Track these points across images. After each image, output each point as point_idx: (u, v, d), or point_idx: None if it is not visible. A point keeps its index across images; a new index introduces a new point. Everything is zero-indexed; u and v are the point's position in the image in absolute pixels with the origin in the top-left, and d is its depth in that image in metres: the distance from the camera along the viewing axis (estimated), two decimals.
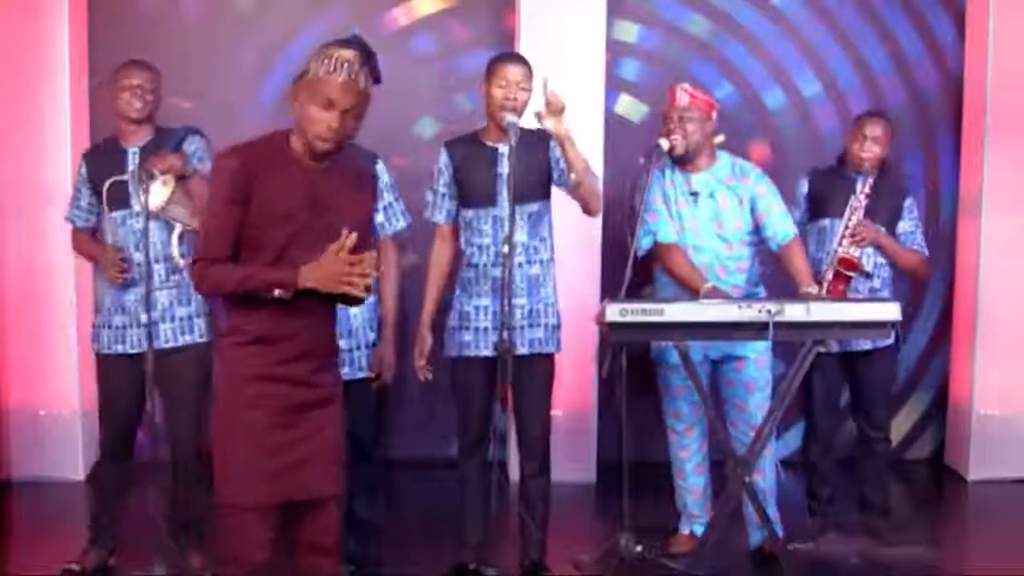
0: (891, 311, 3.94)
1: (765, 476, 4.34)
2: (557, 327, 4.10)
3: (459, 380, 4.12)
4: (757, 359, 4.30)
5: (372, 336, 4.10)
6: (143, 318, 4.05)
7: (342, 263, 2.83)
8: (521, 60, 4.03)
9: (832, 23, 5.89)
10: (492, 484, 3.93)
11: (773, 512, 4.33)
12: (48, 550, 4.44)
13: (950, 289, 5.93)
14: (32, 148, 5.29)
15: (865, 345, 4.54)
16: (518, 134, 3.84)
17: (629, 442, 4.05)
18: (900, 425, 5.96)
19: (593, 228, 5.40)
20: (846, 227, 4.45)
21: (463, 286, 4.12)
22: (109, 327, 4.13)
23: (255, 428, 2.92)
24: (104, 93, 4.17)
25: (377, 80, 2.93)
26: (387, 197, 4.14)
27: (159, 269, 4.05)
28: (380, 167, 4.12)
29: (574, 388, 5.38)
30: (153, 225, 3.99)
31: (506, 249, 3.84)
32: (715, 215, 4.29)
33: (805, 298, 4.07)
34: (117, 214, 4.08)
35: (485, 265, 4.05)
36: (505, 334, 3.79)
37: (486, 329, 4.04)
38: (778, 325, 3.84)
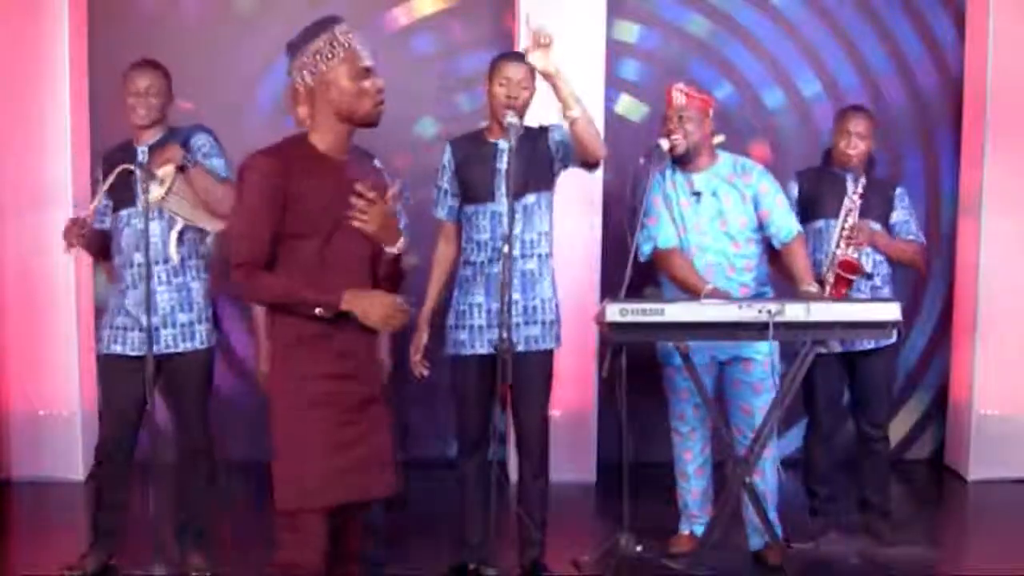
0: (891, 311, 3.94)
1: (765, 479, 4.33)
2: (555, 322, 4.10)
3: (456, 379, 4.12)
4: (764, 361, 4.25)
5: None
6: (144, 320, 4.05)
7: (391, 306, 2.88)
8: (523, 60, 4.03)
9: (832, 23, 5.89)
10: (492, 484, 3.93)
11: (773, 515, 4.33)
12: (48, 550, 4.45)
13: (950, 289, 5.93)
14: (32, 148, 5.28)
15: (867, 344, 4.54)
16: (519, 133, 3.85)
17: (629, 442, 4.04)
18: (900, 425, 5.96)
19: (593, 227, 5.41)
20: (842, 229, 4.44)
21: (461, 284, 4.13)
22: (111, 327, 4.13)
23: (325, 426, 2.88)
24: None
25: None
26: None
27: (159, 271, 4.03)
28: (376, 166, 4.13)
29: (574, 388, 5.38)
30: (154, 225, 3.97)
31: (506, 248, 3.84)
32: (719, 213, 4.29)
33: (805, 297, 4.07)
34: (124, 212, 4.07)
35: (482, 262, 4.05)
36: (504, 333, 3.80)
37: (482, 327, 4.04)
38: (778, 325, 3.83)
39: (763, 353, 4.24)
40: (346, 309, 2.86)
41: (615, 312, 3.83)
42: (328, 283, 2.88)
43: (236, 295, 2.94)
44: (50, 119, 5.29)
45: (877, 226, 4.55)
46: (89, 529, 4.26)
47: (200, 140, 4.10)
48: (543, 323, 4.06)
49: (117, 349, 4.11)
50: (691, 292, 4.22)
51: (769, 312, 3.83)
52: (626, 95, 5.81)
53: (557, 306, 4.13)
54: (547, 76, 3.80)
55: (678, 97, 4.26)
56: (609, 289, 5.00)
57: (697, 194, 4.30)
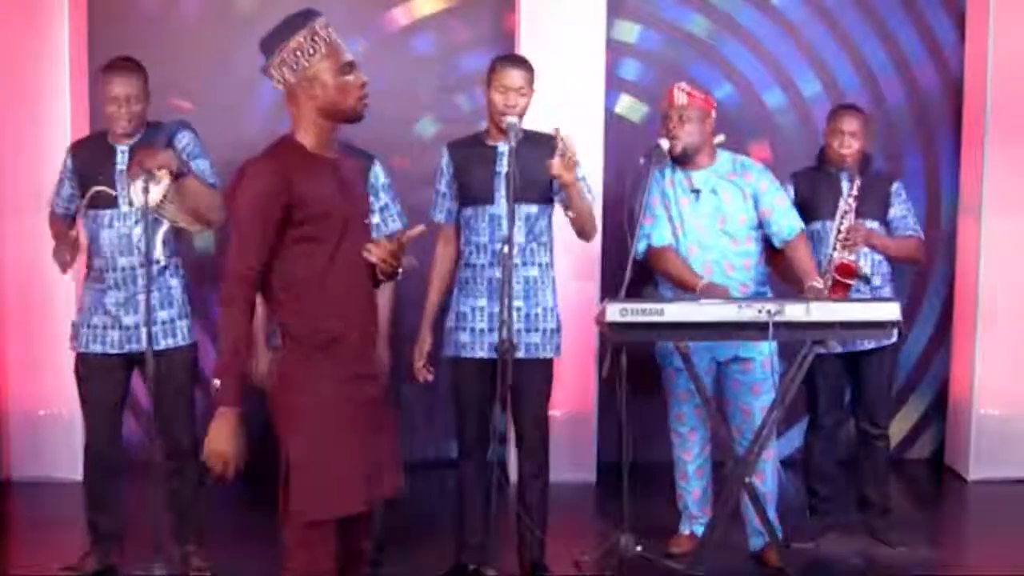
0: (891, 311, 3.93)
1: (765, 480, 4.33)
2: (556, 331, 4.10)
3: (457, 381, 4.12)
4: (763, 361, 4.25)
5: None
6: (126, 320, 4.03)
7: (231, 441, 2.79)
8: (522, 64, 4.03)
9: (832, 23, 5.88)
10: (492, 484, 3.93)
11: (773, 515, 4.32)
12: (48, 550, 4.45)
13: (950, 289, 5.93)
14: (32, 148, 5.28)
15: (868, 344, 4.53)
16: (519, 135, 3.85)
17: (629, 442, 4.04)
18: (900, 425, 5.95)
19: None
20: (838, 231, 4.42)
21: (460, 286, 4.13)
22: (88, 326, 4.10)
23: (348, 431, 2.84)
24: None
25: None
26: (384, 198, 4.14)
27: (143, 272, 3.97)
28: (377, 168, 4.13)
29: (574, 389, 5.38)
30: (137, 228, 3.95)
31: (505, 249, 3.84)
32: (718, 210, 4.29)
33: (807, 297, 4.07)
34: (105, 213, 4.03)
35: (482, 265, 4.05)
36: (505, 333, 3.79)
37: (483, 330, 4.04)
38: (778, 325, 3.83)
39: (763, 353, 4.24)
40: (217, 413, 2.79)
41: (615, 312, 3.83)
42: (343, 280, 2.87)
43: (221, 301, 2.84)
44: (50, 119, 5.29)
45: (875, 224, 4.55)
46: (88, 530, 4.25)
47: (184, 139, 4.05)
48: (544, 331, 4.06)
49: (97, 348, 4.08)
50: (686, 288, 4.22)
51: (769, 312, 3.83)
52: (626, 95, 5.81)
53: (558, 316, 4.13)
54: (565, 185, 3.82)
55: (679, 96, 4.26)
56: (609, 289, 5.01)
57: (696, 192, 4.30)
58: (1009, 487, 5.53)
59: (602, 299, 4.57)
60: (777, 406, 4.07)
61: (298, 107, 2.88)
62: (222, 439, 2.80)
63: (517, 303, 4.00)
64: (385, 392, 3.04)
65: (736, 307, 3.88)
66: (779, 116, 5.90)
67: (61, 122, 5.29)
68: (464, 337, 4.07)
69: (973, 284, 5.64)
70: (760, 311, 3.84)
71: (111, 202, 4.01)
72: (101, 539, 4.20)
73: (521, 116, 3.94)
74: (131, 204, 3.93)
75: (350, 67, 2.87)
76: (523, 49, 5.19)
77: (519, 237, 3.99)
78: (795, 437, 5.41)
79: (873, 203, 4.55)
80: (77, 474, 5.33)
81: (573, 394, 5.39)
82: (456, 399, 4.14)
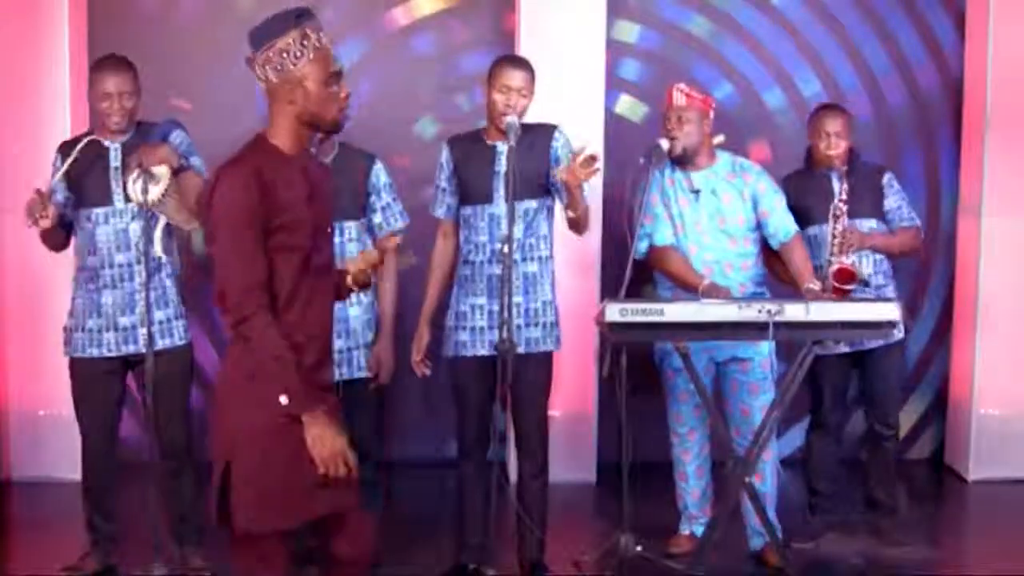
0: (891, 311, 3.93)
1: (765, 480, 4.33)
2: (555, 325, 4.10)
3: (457, 380, 4.12)
4: (762, 361, 4.26)
5: (371, 336, 4.10)
6: (122, 321, 4.01)
7: (341, 453, 2.75)
8: (523, 65, 4.03)
9: (832, 23, 5.88)
10: (492, 484, 3.93)
11: (773, 516, 4.32)
12: (48, 550, 4.45)
13: (950, 289, 5.92)
14: (32, 148, 5.27)
15: (875, 342, 4.50)
16: (518, 135, 3.85)
17: (629, 442, 4.04)
18: (900, 425, 5.94)
19: (592, 228, 5.39)
20: (833, 236, 4.40)
21: (460, 284, 4.13)
22: (82, 330, 4.07)
23: (299, 446, 2.75)
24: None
25: None
26: (385, 197, 4.14)
27: (139, 270, 3.98)
28: (378, 167, 4.13)
29: (574, 388, 5.38)
30: (134, 225, 3.95)
31: (505, 248, 3.84)
32: (717, 211, 4.29)
33: (806, 297, 4.07)
34: (98, 211, 4.01)
35: (482, 263, 4.05)
36: (505, 333, 3.80)
37: (483, 328, 4.04)
38: (778, 325, 3.84)
39: (761, 353, 4.25)
40: (305, 421, 2.73)
41: (615, 312, 3.83)
42: (310, 290, 2.80)
43: (238, 327, 2.74)
44: (50, 119, 5.29)
45: (872, 223, 4.54)
46: (88, 531, 4.25)
47: (178, 138, 4.04)
48: (544, 325, 4.07)
49: (94, 352, 4.05)
50: (688, 287, 4.22)
51: (769, 312, 3.83)
52: (626, 95, 5.81)
53: (556, 309, 4.13)
54: (571, 189, 3.82)
55: (679, 97, 4.26)
56: (608, 289, 5.00)
57: (696, 192, 4.31)
58: (1009, 487, 5.53)
59: (601, 299, 4.57)
60: (777, 406, 4.07)
61: (277, 108, 2.79)
62: (327, 443, 2.74)
63: (517, 299, 4.00)
64: (337, 405, 2.96)
65: (736, 307, 3.88)
66: (779, 116, 5.90)
67: (61, 122, 5.29)
68: (464, 336, 4.07)
69: (973, 284, 5.64)
70: (760, 311, 3.84)
71: (105, 200, 4.00)
72: (101, 539, 4.20)
73: (520, 117, 3.95)
74: (128, 200, 3.92)
75: (336, 77, 2.79)
76: (523, 49, 5.19)
77: (518, 233, 3.99)
78: (795, 437, 5.40)
79: (867, 200, 4.54)
80: (77, 474, 5.32)
81: (573, 394, 5.39)
82: (456, 399, 4.14)
